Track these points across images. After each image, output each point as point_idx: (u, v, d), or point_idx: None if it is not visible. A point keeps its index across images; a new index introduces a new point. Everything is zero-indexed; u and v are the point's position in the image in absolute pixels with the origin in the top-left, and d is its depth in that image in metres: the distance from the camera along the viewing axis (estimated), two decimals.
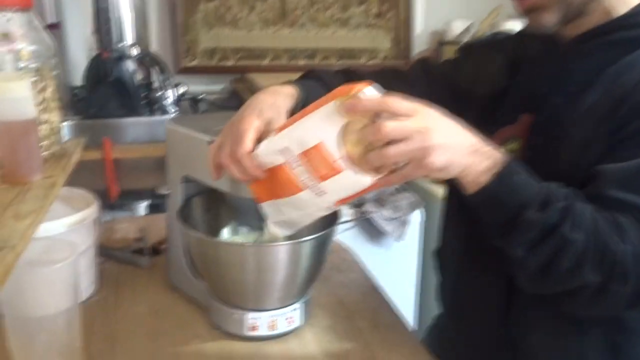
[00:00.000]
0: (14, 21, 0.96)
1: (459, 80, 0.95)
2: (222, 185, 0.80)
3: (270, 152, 0.67)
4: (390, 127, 0.59)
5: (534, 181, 0.67)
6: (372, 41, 2.27)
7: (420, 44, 2.38)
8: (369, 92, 0.61)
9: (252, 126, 0.70)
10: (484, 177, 0.65)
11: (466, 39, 2.25)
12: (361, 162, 0.62)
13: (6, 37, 0.95)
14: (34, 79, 0.96)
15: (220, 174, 0.74)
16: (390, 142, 0.60)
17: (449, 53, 2.27)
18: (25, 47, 0.97)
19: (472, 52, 0.99)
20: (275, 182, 0.68)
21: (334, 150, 0.62)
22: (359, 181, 0.63)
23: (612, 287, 0.63)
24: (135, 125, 1.67)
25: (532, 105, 0.81)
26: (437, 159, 0.61)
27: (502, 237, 0.68)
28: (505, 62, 0.90)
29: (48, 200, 0.84)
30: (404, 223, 1.69)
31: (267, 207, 0.73)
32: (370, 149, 0.61)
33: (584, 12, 0.75)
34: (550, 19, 0.75)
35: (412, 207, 1.72)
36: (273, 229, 0.76)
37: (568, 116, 0.75)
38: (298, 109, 0.78)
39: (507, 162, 0.66)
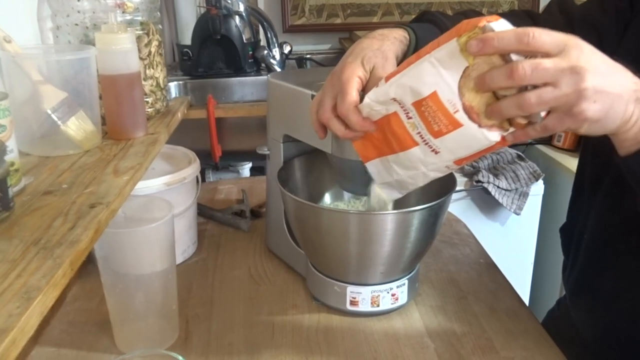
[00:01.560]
0: None
1: (608, 25, 0.78)
2: (324, 145, 0.73)
3: (377, 103, 0.57)
4: (532, 65, 0.46)
5: None
6: None
7: None
8: (499, 27, 0.48)
9: (355, 74, 0.60)
10: None
11: None
12: (488, 113, 0.50)
13: None
14: (138, 32, 0.94)
15: (325, 133, 0.66)
16: (528, 88, 0.48)
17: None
18: None
19: None
20: (385, 134, 0.58)
21: (454, 100, 0.50)
22: (484, 137, 0.51)
23: None
24: (241, 85, 1.65)
25: None
26: (593, 107, 0.47)
27: None
28: None
29: (149, 157, 0.82)
30: (522, 195, 1.52)
31: (374, 166, 0.63)
32: (499, 97, 0.50)
33: None
34: None
35: (532, 178, 1.54)
36: (381, 192, 0.67)
37: None
38: (409, 55, 0.67)
39: None
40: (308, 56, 1.98)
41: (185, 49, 1.63)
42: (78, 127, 0.81)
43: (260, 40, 1.72)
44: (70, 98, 0.80)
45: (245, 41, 1.63)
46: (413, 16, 2.01)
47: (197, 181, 0.96)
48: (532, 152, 1.66)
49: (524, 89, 0.48)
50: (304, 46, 2.00)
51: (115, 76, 0.85)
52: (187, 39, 1.63)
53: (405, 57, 0.68)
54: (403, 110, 0.55)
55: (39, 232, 0.54)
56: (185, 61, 1.64)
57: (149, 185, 0.83)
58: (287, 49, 1.73)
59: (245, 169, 1.61)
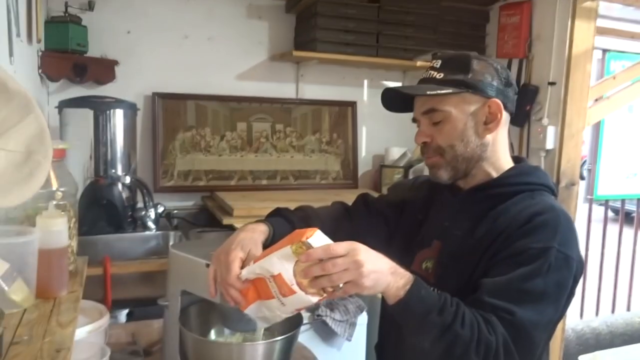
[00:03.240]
0: (52, 169, 1.25)
1: (390, 215, 1.27)
2: (214, 298, 1.07)
3: (250, 274, 0.96)
4: (333, 263, 0.88)
5: (433, 293, 0.96)
6: (324, 164, 2.65)
7: (364, 166, 2.79)
8: (315, 238, 0.89)
9: (236, 258, 0.98)
10: (401, 291, 0.93)
11: (403, 162, 2.66)
12: (309, 287, 0.90)
13: (46, 182, 1.23)
14: (64, 213, 1.24)
15: (216, 293, 1.01)
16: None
17: (389, 173, 2.68)
18: (59, 189, 1.25)
19: (398, 192, 1.32)
20: (257, 288, 0.96)
21: (290, 278, 0.90)
22: (308, 300, 0.91)
23: None
24: (120, 241, 1.92)
25: (440, 234, 1.14)
26: (367, 280, 0.89)
27: (413, 335, 0.97)
28: (423, 200, 1.24)
29: (77, 311, 1.09)
30: (352, 324, 1.95)
31: (250, 309, 0.99)
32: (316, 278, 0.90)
33: (469, 174, 1.12)
34: (443, 175, 1.12)
35: (359, 310, 1.99)
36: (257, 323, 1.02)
37: (464, 245, 1.08)
38: (269, 240, 1.08)
39: (415, 280, 0.95)
40: (175, 212, 2.33)
41: None
42: (19, 290, 1.06)
43: (137, 202, 2.04)
44: (13, 267, 1.06)
45: (125, 204, 1.94)
46: (262, 180, 2.49)
47: (106, 329, 1.22)
48: None
49: None
50: (172, 203, 2.35)
51: (50, 250, 1.13)
52: None
53: (266, 242, 1.07)
54: (266, 277, 0.94)
55: None
56: None
57: (77, 333, 1.08)
58: (160, 209, 2.07)
59: (122, 314, 1.84)
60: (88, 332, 1.12)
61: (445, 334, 0.92)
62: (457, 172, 1.11)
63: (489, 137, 1.10)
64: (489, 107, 1.08)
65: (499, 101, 1.08)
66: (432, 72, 1.10)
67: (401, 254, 1.21)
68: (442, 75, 1.08)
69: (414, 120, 1.15)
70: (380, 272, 0.92)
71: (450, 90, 1.06)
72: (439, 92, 1.06)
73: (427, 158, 1.13)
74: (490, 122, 1.09)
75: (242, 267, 0.98)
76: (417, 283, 0.95)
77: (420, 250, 1.17)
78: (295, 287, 0.90)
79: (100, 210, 1.87)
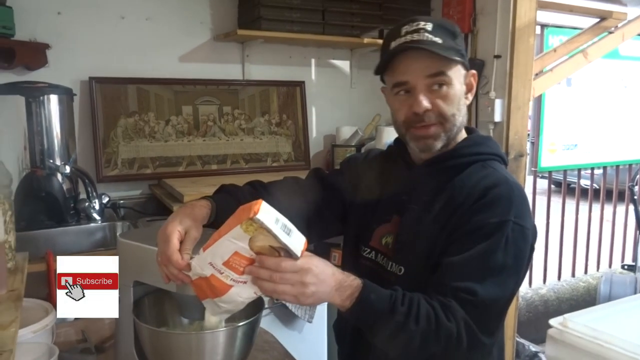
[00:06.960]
0: None
1: (344, 189, 1.24)
2: (169, 286, 1.02)
3: (201, 264, 0.89)
4: (280, 278, 0.86)
5: (384, 293, 0.93)
6: (275, 146, 2.59)
7: (316, 146, 2.75)
8: (262, 214, 0.83)
9: (175, 229, 0.93)
10: (346, 302, 0.92)
11: (354, 141, 2.64)
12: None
13: None
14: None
15: (169, 281, 0.95)
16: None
17: (341, 153, 2.65)
18: None
19: (352, 166, 1.28)
20: (209, 287, 0.90)
21: (249, 251, 0.86)
22: None
23: (452, 352, 0.93)
24: (63, 235, 1.81)
25: (398, 209, 1.12)
26: (307, 299, 0.88)
27: (368, 335, 0.96)
28: (378, 174, 1.21)
29: (19, 311, 1.00)
30: (312, 306, 1.93)
31: (206, 303, 0.93)
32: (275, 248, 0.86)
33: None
34: (437, 145, 1.07)
35: None
36: (213, 319, 0.97)
37: (423, 219, 1.06)
38: (212, 216, 1.02)
39: (363, 288, 0.92)
40: (122, 202, 2.23)
41: None
42: None
43: (80, 193, 1.92)
44: None
45: (66, 195, 1.82)
46: (212, 165, 2.41)
47: (53, 328, 1.14)
48: None
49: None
50: (117, 192, 2.23)
51: None
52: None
53: (210, 217, 1.02)
54: (216, 270, 0.88)
55: None
56: None
57: (21, 334, 1.00)
58: (105, 200, 1.96)
59: None
60: (33, 332, 1.04)
61: (399, 334, 0.92)
62: (448, 143, 1.08)
63: (465, 109, 1.10)
64: (472, 77, 1.09)
65: (474, 72, 1.10)
66: (427, 34, 1.01)
67: (359, 230, 1.19)
68: (440, 40, 1.01)
69: (399, 84, 1.05)
70: (323, 292, 0.90)
71: (458, 58, 1.03)
72: (455, 58, 1.02)
73: (425, 127, 1.05)
74: (468, 93, 1.10)
75: (181, 243, 0.92)
76: (365, 290, 0.93)
77: (379, 225, 1.15)
78: (254, 254, 0.86)
79: (40, 203, 1.76)
